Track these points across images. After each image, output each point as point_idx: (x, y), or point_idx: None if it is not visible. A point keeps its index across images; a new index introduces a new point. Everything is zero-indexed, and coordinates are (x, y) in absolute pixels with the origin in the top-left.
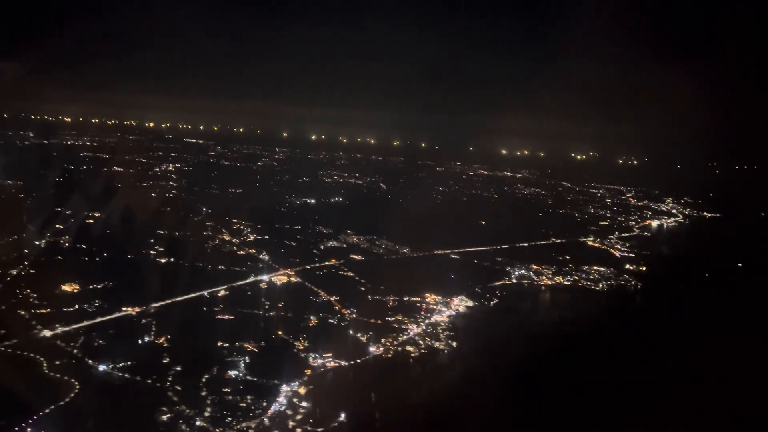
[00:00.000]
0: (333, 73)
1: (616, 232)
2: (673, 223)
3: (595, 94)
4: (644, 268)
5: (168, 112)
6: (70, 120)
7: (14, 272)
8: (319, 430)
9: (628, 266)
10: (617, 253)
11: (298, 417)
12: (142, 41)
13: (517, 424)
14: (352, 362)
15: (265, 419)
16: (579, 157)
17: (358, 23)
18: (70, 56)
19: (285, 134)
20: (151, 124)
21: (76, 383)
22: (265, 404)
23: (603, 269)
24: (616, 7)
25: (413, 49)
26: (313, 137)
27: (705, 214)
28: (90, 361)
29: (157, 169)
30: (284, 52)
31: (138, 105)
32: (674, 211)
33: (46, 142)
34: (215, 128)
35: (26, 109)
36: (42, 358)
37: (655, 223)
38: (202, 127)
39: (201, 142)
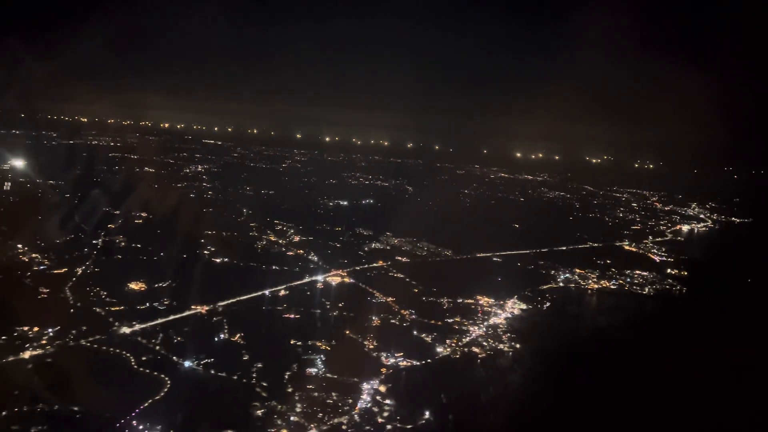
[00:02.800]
0: (344, 75)
1: (650, 237)
2: (704, 228)
3: (609, 98)
4: (686, 273)
5: (181, 113)
6: (86, 120)
7: (79, 271)
8: (408, 427)
9: (669, 271)
10: (656, 258)
11: (385, 414)
12: (155, 43)
13: (595, 425)
14: (424, 362)
15: (355, 416)
16: (594, 161)
17: (368, 25)
18: (85, 57)
19: (299, 136)
20: (167, 125)
21: (167, 379)
22: (350, 401)
23: (645, 273)
24: (630, 11)
25: (424, 51)
26: (327, 139)
27: (734, 219)
28: (174, 358)
29: (188, 170)
30: (296, 54)
31: (152, 106)
32: (702, 216)
33: (71, 142)
34: (230, 129)
35: (42, 109)
36: (128, 355)
37: (685, 228)
38: (216, 128)
39: (220, 143)
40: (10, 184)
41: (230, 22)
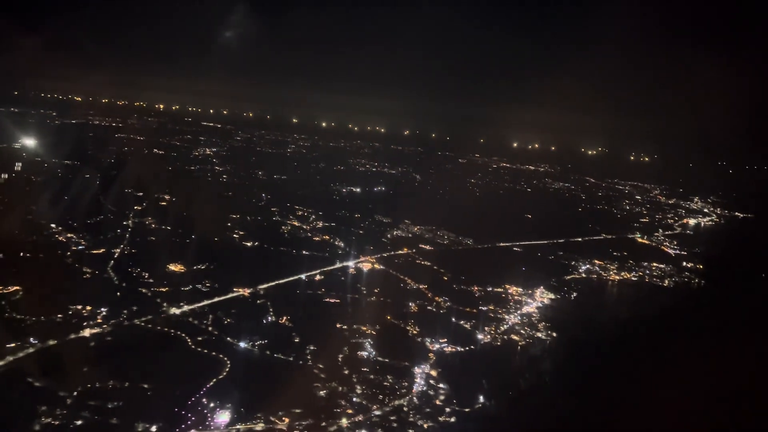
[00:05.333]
0: (337, 59)
1: (660, 230)
2: (710, 222)
3: (603, 89)
4: (701, 266)
5: (175, 95)
6: (80, 99)
7: (117, 252)
8: (466, 410)
9: (684, 264)
10: (670, 251)
11: (441, 397)
12: (147, 23)
13: (643, 410)
14: (467, 348)
15: (414, 398)
16: (590, 152)
17: (362, 9)
18: (78, 35)
19: (295, 120)
20: (161, 106)
21: (226, 359)
22: (405, 384)
23: (662, 266)
24: (624, 2)
25: (418, 38)
26: (324, 124)
27: (737, 214)
28: (228, 339)
29: (197, 153)
30: (289, 37)
31: (145, 86)
32: (706, 210)
33: (74, 122)
34: (225, 112)
35: (35, 87)
36: (184, 335)
37: (692, 222)
38: (212, 111)
39: (219, 126)
40: (22, 164)
41: (224, 4)
